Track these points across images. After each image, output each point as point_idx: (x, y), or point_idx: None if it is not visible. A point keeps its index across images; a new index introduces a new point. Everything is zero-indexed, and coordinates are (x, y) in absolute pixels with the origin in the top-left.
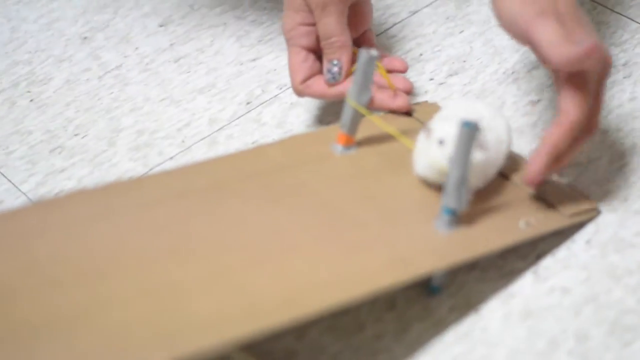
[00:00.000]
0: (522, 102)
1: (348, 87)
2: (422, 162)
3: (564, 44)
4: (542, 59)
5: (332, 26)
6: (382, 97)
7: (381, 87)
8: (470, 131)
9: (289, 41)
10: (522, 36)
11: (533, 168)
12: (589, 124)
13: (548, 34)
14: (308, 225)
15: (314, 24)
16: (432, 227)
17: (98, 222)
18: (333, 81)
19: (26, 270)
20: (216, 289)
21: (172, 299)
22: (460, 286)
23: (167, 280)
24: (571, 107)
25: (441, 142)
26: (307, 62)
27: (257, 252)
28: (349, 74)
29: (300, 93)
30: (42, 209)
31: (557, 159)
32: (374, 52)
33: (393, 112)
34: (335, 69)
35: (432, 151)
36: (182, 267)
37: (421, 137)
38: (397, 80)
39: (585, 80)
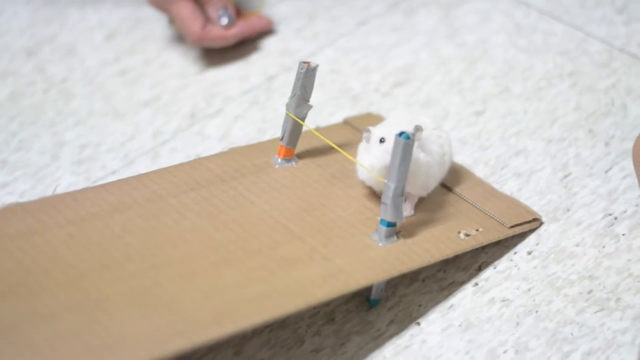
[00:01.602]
0: (466, 112)
1: (242, 29)
2: (364, 164)
3: None
4: None
5: None
6: (252, 22)
7: (245, 21)
8: (407, 142)
9: None
10: None
11: None
12: None
13: None
14: (244, 239)
15: None
16: (370, 239)
17: (31, 237)
18: (231, 23)
19: None
20: (146, 305)
21: (101, 315)
22: (400, 299)
23: (96, 296)
24: None
25: (382, 141)
26: (197, 12)
27: (190, 267)
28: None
29: (201, 40)
30: None
31: None
32: (313, 64)
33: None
34: (229, 12)
35: (374, 150)
36: (113, 283)
37: (362, 143)
38: (257, 17)
39: None
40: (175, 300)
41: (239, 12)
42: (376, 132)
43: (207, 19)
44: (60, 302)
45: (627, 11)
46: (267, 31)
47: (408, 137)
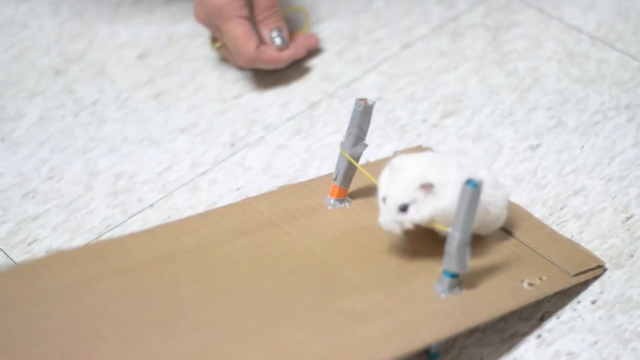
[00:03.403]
0: (521, 146)
1: (295, 52)
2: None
3: None
4: None
5: None
6: (301, 42)
7: (296, 42)
8: (474, 191)
9: (227, 13)
10: None
11: None
12: None
13: None
14: (301, 291)
15: None
16: (432, 290)
17: (78, 291)
18: (284, 45)
19: (2, 347)
20: None
21: None
22: (460, 351)
23: (151, 357)
24: None
25: (384, 200)
26: (252, 30)
27: (247, 323)
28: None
29: (255, 60)
30: (19, 276)
31: None
32: (371, 101)
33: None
34: (283, 34)
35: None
36: (168, 343)
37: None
38: (304, 36)
39: None
40: None
41: (289, 33)
42: (382, 188)
43: (259, 40)
44: None
45: None
46: (314, 50)
47: (475, 186)
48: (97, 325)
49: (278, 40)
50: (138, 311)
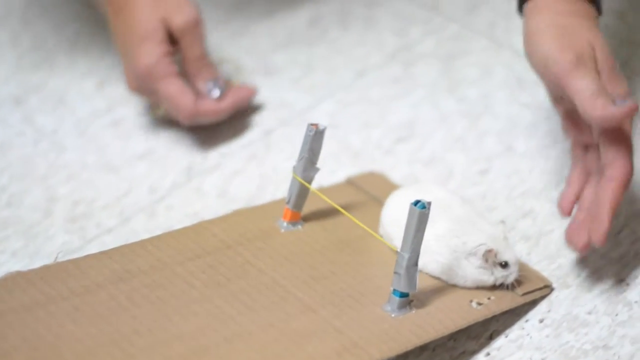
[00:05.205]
0: (471, 171)
1: (234, 101)
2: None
3: (601, 101)
4: (579, 111)
5: (203, 47)
6: (238, 92)
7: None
8: (422, 211)
9: (158, 73)
10: (556, 83)
11: (603, 230)
12: None
13: (584, 88)
14: (254, 310)
15: (172, 53)
16: (382, 310)
17: (35, 311)
18: (221, 95)
19: None
20: None
21: None
22: None
23: None
24: (620, 159)
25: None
26: (186, 86)
27: (201, 342)
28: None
29: (194, 115)
30: None
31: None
32: (322, 126)
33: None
34: (219, 83)
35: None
36: None
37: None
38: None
39: (624, 131)
40: None
41: (227, 83)
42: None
43: (196, 94)
44: None
45: (630, 66)
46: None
47: (424, 207)
48: (55, 345)
49: (215, 92)
50: (93, 330)
